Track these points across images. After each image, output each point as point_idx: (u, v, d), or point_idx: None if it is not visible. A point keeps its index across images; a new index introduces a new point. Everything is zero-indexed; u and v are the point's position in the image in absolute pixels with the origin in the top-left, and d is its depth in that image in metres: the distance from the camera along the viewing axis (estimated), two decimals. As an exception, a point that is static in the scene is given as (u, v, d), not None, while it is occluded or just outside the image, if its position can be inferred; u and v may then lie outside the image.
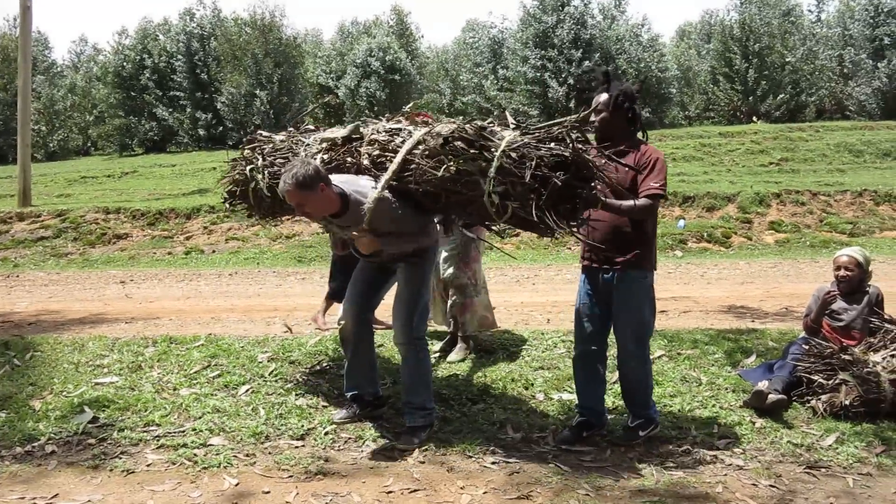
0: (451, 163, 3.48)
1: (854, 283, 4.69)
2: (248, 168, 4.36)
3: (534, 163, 3.31)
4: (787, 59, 26.79)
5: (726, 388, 4.55)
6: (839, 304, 4.72)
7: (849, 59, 28.00)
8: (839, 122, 25.38)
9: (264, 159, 4.30)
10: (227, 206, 4.79)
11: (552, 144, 3.39)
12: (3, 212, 14.36)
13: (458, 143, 3.49)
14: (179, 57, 28.60)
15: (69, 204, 15.63)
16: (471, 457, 3.73)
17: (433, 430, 3.99)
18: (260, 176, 4.23)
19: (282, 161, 4.20)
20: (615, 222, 3.73)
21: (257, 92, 26.35)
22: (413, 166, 3.64)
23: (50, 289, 9.74)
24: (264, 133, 4.63)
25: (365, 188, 3.71)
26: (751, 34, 26.89)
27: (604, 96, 3.80)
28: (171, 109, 28.42)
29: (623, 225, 3.73)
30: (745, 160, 19.08)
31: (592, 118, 3.79)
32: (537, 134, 3.47)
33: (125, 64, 29.65)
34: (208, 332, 5.85)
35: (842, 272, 4.69)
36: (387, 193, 3.67)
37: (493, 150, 3.41)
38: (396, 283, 4.07)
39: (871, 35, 26.95)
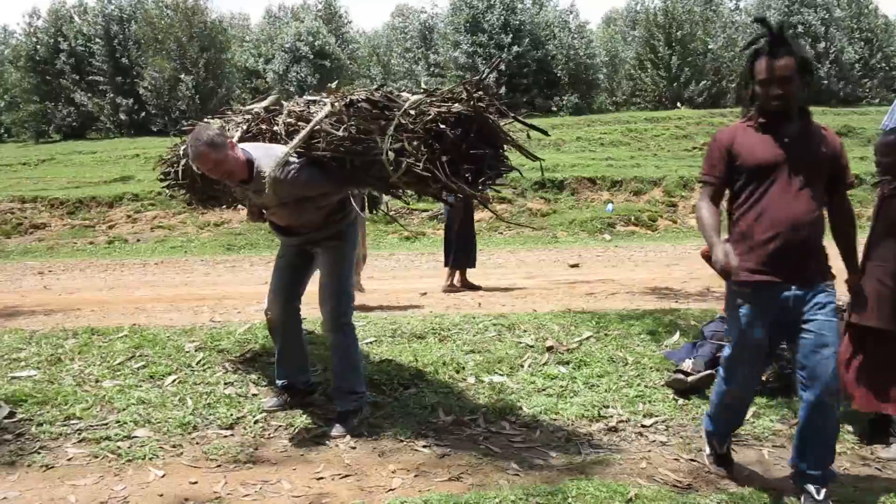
0: (352, 122, 3.48)
1: None
2: (182, 148, 4.31)
3: (429, 118, 3.35)
4: (708, 47, 27.56)
5: (651, 368, 4.67)
6: None
7: (767, 48, 28.90)
8: (758, 108, 26.25)
9: None
10: (166, 189, 4.78)
11: (455, 105, 3.40)
12: None
13: (364, 105, 3.53)
14: (97, 40, 27.55)
15: (-19, 193, 14.94)
16: (402, 441, 3.74)
17: (364, 415, 3.99)
18: None
19: None
20: (811, 228, 2.99)
21: (182, 76, 25.63)
22: (322, 133, 3.60)
23: (-39, 281, 9.32)
24: (205, 120, 4.57)
25: (269, 155, 3.63)
26: (673, 21, 27.55)
27: (789, 60, 2.97)
28: (90, 94, 27.39)
29: (818, 231, 3.04)
30: (670, 145, 19.62)
31: (777, 91, 2.98)
32: (440, 95, 3.51)
33: (38, 47, 28.37)
34: (132, 323, 5.69)
35: None
36: (293, 159, 3.59)
37: (395, 110, 3.45)
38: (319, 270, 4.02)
39: (786, 23, 27.90)
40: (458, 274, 7.66)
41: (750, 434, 3.88)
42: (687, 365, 4.50)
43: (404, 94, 3.60)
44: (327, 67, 28.53)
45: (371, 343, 5.06)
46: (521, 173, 3.73)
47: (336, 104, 3.64)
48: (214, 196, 4.58)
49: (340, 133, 3.49)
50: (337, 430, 3.84)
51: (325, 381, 4.45)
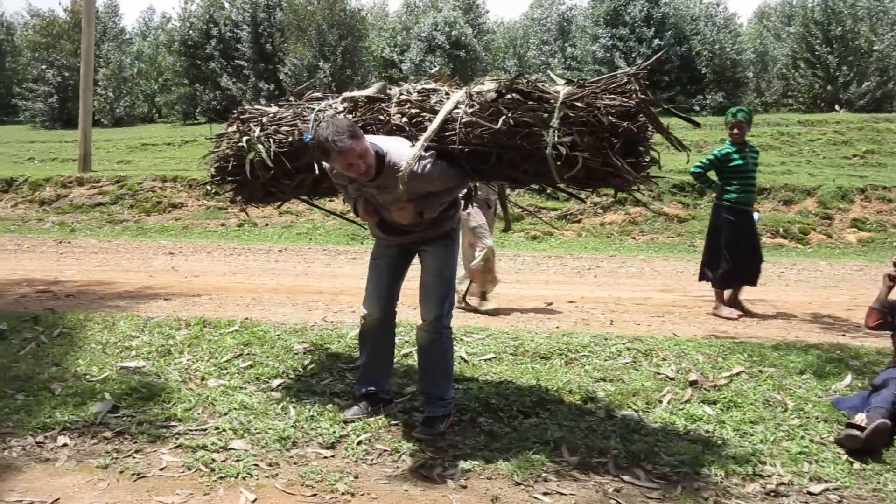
0: (510, 115, 3.23)
1: None
2: (245, 139, 4.05)
3: (602, 111, 3.12)
4: (874, 47, 25.18)
5: (817, 417, 3.94)
6: None
7: (943, 48, 26.18)
8: (930, 113, 23.80)
9: (263, 128, 4.04)
10: (212, 186, 4.60)
11: (613, 96, 3.19)
12: (63, 176, 14.42)
13: (513, 96, 3.28)
14: (245, 26, 28.54)
15: (128, 171, 15.63)
16: (519, 484, 3.26)
17: (451, 420, 3.77)
18: (261, 146, 3.94)
19: (288, 129, 3.96)
20: None
21: (320, 63, 26.11)
22: (458, 125, 3.36)
23: (99, 257, 9.62)
24: (255, 106, 4.40)
25: (401, 148, 3.42)
26: (832, 17, 25.33)
27: None
28: (234, 79, 28.41)
29: None
30: (827, 151, 17.95)
31: None
32: (595, 86, 3.26)
33: (191, 32, 29.73)
34: (245, 317, 5.51)
35: None
36: (425, 152, 3.37)
37: (552, 101, 3.19)
38: (422, 269, 3.78)
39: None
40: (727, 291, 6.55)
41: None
42: (860, 418, 3.76)
43: (548, 86, 3.32)
44: (462, 58, 28.28)
45: (490, 360, 4.61)
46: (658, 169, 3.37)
47: (474, 95, 3.40)
48: (270, 193, 4.37)
49: (498, 126, 3.23)
50: (424, 433, 3.64)
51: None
